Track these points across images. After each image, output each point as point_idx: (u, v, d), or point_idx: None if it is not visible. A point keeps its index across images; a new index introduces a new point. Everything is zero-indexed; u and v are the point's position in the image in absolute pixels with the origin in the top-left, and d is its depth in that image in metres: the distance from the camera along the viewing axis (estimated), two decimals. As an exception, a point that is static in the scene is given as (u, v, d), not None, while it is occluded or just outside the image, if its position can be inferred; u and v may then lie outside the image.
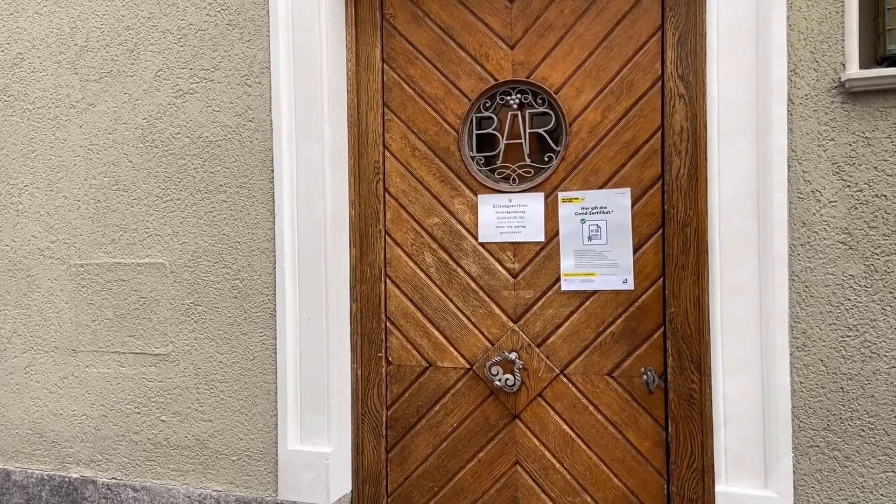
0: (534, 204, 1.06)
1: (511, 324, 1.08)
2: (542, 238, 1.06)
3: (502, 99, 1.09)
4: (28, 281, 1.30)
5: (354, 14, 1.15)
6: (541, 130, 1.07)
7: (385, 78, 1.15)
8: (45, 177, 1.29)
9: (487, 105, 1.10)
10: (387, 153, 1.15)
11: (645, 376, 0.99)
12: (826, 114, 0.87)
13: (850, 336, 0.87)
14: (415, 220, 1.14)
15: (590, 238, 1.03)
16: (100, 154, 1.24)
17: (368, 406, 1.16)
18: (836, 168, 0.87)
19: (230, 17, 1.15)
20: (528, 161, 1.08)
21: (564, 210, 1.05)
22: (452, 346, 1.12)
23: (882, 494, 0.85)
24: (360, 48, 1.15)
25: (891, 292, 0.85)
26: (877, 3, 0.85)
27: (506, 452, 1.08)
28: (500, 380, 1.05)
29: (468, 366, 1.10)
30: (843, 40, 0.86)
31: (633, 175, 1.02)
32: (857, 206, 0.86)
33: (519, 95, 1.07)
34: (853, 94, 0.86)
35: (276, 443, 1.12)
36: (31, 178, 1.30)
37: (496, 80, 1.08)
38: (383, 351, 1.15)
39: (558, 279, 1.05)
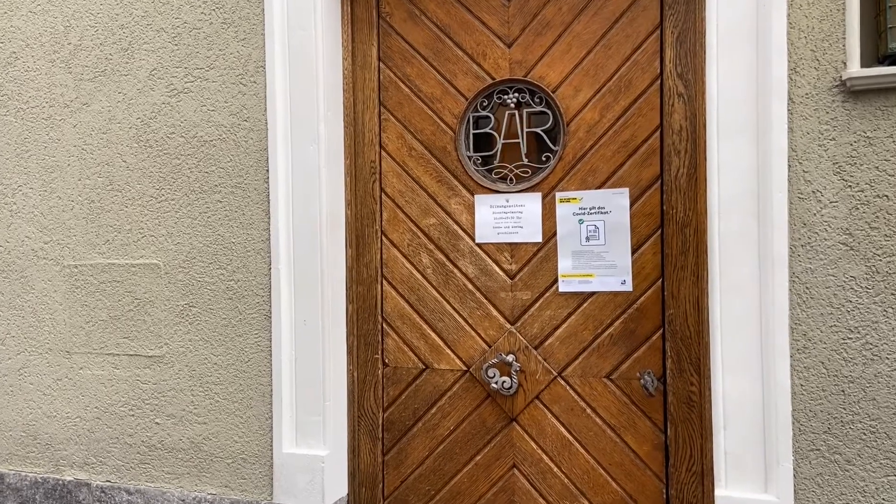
0: (531, 204, 1.05)
1: (508, 325, 1.07)
2: (539, 239, 1.05)
3: (499, 98, 1.08)
4: (22, 282, 1.29)
5: (350, 12, 1.14)
6: (538, 130, 1.06)
7: (381, 77, 1.14)
8: (38, 177, 1.28)
9: (484, 104, 1.09)
10: (383, 153, 1.14)
11: (643, 380, 0.98)
12: (827, 113, 0.86)
13: (851, 338, 0.86)
14: (411, 221, 1.13)
15: (588, 239, 1.02)
16: (94, 154, 1.23)
17: (365, 408, 1.15)
18: (837, 168, 0.86)
19: (225, 15, 1.14)
20: (525, 161, 1.07)
21: (562, 210, 1.04)
22: (449, 347, 1.11)
23: (884, 499, 0.84)
24: (357, 47, 1.15)
25: (892, 294, 0.84)
26: (878, 1, 0.84)
27: (503, 456, 1.07)
28: (496, 382, 1.05)
29: (465, 368, 1.09)
30: (843, 38, 0.85)
31: (632, 175, 1.01)
32: (859, 206, 0.86)
33: (516, 94, 1.06)
34: (854, 92, 0.85)
35: (271, 446, 1.11)
36: (25, 179, 1.29)
37: (493, 78, 1.07)
38: (379, 353, 1.14)
39: (556, 280, 1.04)
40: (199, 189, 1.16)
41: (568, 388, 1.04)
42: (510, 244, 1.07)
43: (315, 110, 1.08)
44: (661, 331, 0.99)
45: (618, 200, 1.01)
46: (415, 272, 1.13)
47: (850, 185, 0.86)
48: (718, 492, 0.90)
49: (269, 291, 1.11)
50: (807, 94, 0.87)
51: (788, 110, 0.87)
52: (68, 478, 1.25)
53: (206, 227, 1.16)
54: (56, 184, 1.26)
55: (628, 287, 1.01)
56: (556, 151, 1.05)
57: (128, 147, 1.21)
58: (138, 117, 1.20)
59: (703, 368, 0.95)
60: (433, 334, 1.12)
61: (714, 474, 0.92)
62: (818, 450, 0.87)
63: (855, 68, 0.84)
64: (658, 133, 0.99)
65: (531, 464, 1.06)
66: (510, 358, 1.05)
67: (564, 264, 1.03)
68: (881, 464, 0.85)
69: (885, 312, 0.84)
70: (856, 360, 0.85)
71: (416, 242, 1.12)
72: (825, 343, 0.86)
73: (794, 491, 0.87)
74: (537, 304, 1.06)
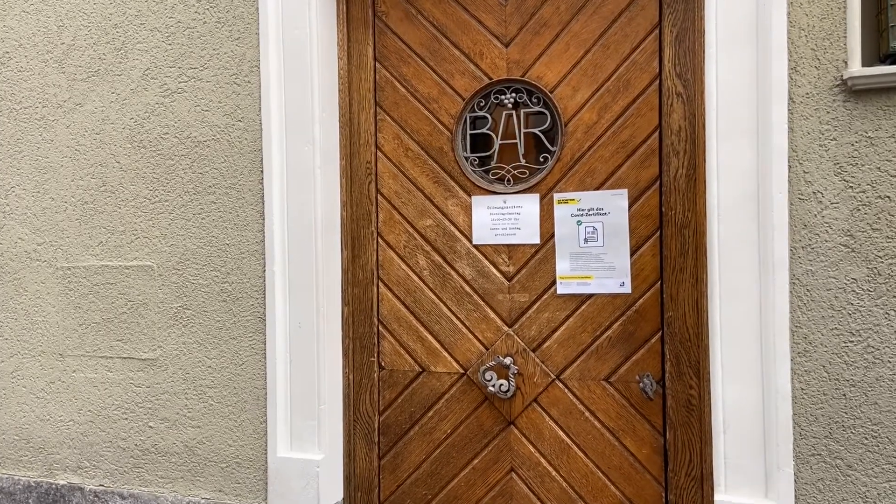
0: (529, 205, 1.04)
1: (506, 328, 1.06)
2: (537, 240, 1.04)
3: (497, 98, 1.07)
4: (15, 284, 1.28)
5: (346, 11, 1.13)
6: (536, 130, 1.05)
7: (377, 77, 1.13)
8: (31, 178, 1.27)
9: (482, 104, 1.08)
10: (379, 154, 1.13)
11: (642, 383, 0.97)
12: (827, 113, 0.85)
13: (852, 341, 0.85)
14: (408, 222, 1.12)
15: (586, 240, 1.02)
16: (87, 155, 1.22)
17: (360, 412, 1.14)
18: (838, 168, 0.85)
19: (219, 14, 1.13)
20: (523, 161, 1.06)
21: (560, 211, 1.03)
22: (446, 350, 1.10)
23: (886, 504, 0.83)
24: (352, 46, 1.14)
25: (895, 296, 0.83)
26: (879, -1, 0.83)
27: (500, 459, 1.06)
28: (494, 385, 1.04)
29: (462, 371, 1.08)
30: (844, 37, 0.84)
31: (631, 176, 1.00)
32: (860, 207, 0.84)
33: (514, 95, 1.05)
34: (855, 92, 0.84)
35: (266, 450, 1.10)
36: (18, 179, 1.28)
37: (490, 78, 1.06)
38: (375, 356, 1.13)
39: (554, 282, 1.03)
40: (193, 190, 1.15)
41: (566, 391, 1.03)
42: (508, 246, 1.06)
43: (310, 110, 1.08)
44: (660, 333, 0.98)
45: (616, 202, 1.00)
46: (411, 274, 1.12)
47: (851, 186, 0.85)
48: (718, 497, 0.89)
49: (264, 294, 1.10)
50: (807, 93, 0.86)
51: (789, 110, 0.86)
52: (61, 482, 1.24)
53: (200, 228, 1.15)
54: (49, 185, 1.25)
55: (627, 289, 1.00)
56: (554, 152, 1.04)
57: (121, 148, 1.20)
58: (132, 118, 1.19)
59: (702, 372, 0.94)
60: (430, 337, 1.10)
61: (714, 479, 0.91)
62: (819, 455, 0.85)
63: (856, 67, 0.83)
64: (657, 134, 0.98)
65: (529, 468, 1.05)
66: (508, 361, 1.04)
67: (562, 266, 1.02)
68: (883, 469, 0.83)
69: (887, 315, 0.83)
70: (857, 364, 0.84)
71: (413, 244, 1.11)
72: (826, 346, 0.85)
73: (795, 496, 0.86)
74: (535, 307, 1.05)
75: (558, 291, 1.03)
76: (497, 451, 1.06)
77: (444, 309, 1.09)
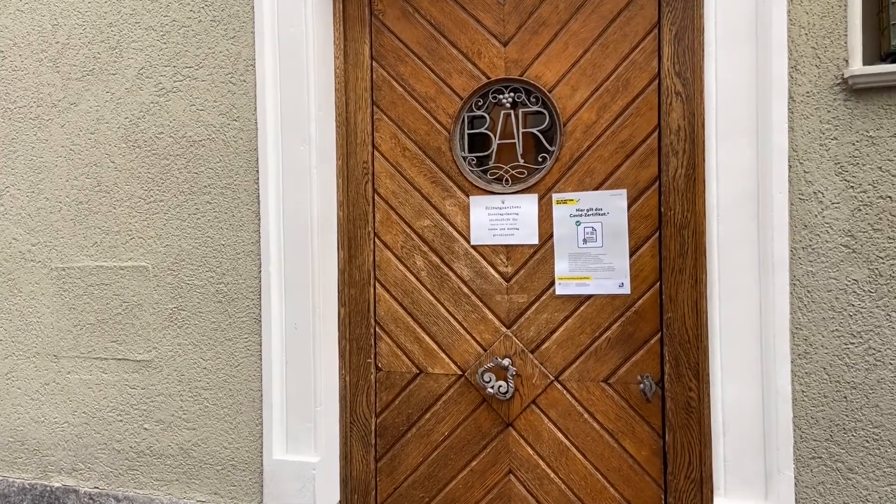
0: (527, 205, 1.04)
1: (504, 329, 1.05)
2: (535, 241, 1.03)
3: (495, 98, 1.06)
4: (9, 285, 1.27)
5: (342, 10, 1.12)
6: (534, 130, 1.04)
7: (374, 76, 1.12)
8: (26, 178, 1.26)
9: (480, 104, 1.07)
10: (376, 153, 1.13)
11: (642, 384, 0.97)
12: (828, 112, 0.84)
13: (853, 343, 0.84)
14: (405, 222, 1.11)
15: (585, 241, 1.01)
16: (82, 154, 1.22)
17: (357, 414, 1.13)
18: (839, 168, 0.84)
19: (214, 13, 1.12)
20: (521, 161, 1.05)
21: (559, 212, 1.02)
22: (444, 351, 1.09)
23: (887, 507, 0.82)
24: (348, 45, 1.13)
25: (896, 297, 0.82)
26: (880, -3, 0.82)
27: (499, 461, 1.06)
28: (492, 387, 1.03)
29: (460, 372, 1.08)
30: (845, 35, 0.83)
31: (630, 176, 0.99)
32: (861, 207, 0.84)
33: (512, 94, 1.05)
34: (856, 91, 0.83)
35: (261, 452, 1.10)
36: (13, 179, 1.27)
37: (489, 78, 1.06)
38: (372, 357, 1.12)
39: (553, 283, 1.02)
40: (189, 190, 1.14)
41: (565, 392, 1.02)
42: (506, 246, 1.05)
43: (306, 110, 1.07)
44: (659, 334, 0.98)
45: (615, 202, 0.99)
46: (408, 275, 1.11)
47: (852, 186, 0.84)
48: (717, 500, 0.88)
49: (260, 294, 1.09)
50: (808, 92, 0.85)
51: (789, 109, 0.85)
52: (56, 484, 1.23)
53: (195, 228, 1.14)
54: (44, 185, 1.24)
55: (626, 290, 0.99)
56: (553, 152, 1.03)
57: (116, 147, 1.19)
58: (126, 117, 1.18)
59: (701, 373, 0.93)
60: (427, 338, 1.10)
61: (713, 482, 0.91)
62: (819, 458, 0.85)
63: (857, 66, 0.82)
64: (656, 133, 0.97)
65: (528, 470, 1.04)
66: (506, 362, 1.03)
67: (561, 267, 1.02)
68: (884, 472, 0.83)
69: (888, 317, 0.83)
70: (858, 366, 0.84)
71: (410, 244, 1.10)
72: (827, 348, 0.85)
73: (795, 500, 0.85)
74: (534, 307, 1.04)
75: (557, 292, 1.02)
76: (495, 454, 1.06)
77: (442, 310, 1.09)
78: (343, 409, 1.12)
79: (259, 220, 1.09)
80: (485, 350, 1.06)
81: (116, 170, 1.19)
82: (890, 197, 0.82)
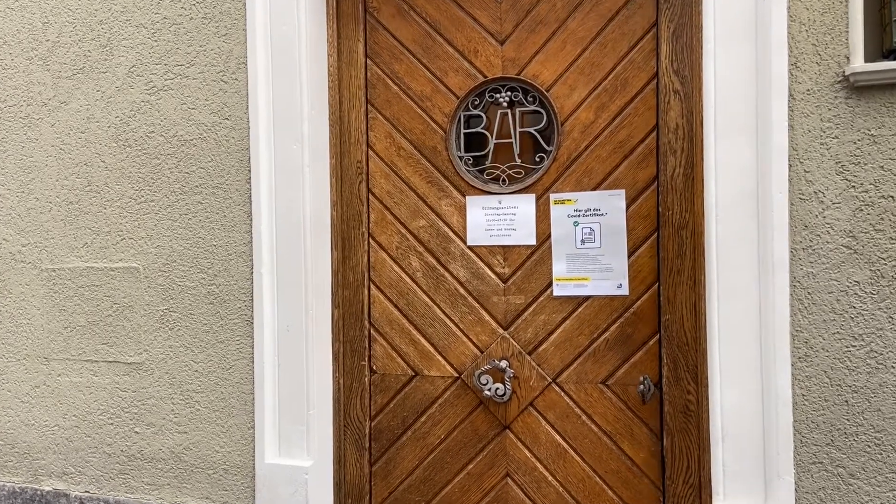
0: (525, 206, 1.02)
1: (501, 330, 1.04)
2: (533, 241, 1.02)
3: (491, 97, 1.05)
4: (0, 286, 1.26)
5: (336, 7, 1.11)
6: (532, 130, 1.03)
7: (369, 74, 1.11)
8: (16, 178, 1.24)
9: (476, 103, 1.06)
10: (370, 153, 1.11)
11: (641, 386, 0.96)
12: (829, 110, 0.83)
13: (855, 346, 0.83)
14: (400, 223, 1.10)
15: (583, 241, 1.00)
16: (72, 154, 1.20)
17: (351, 417, 1.12)
18: (840, 167, 0.83)
19: (205, 10, 1.11)
20: (518, 161, 1.04)
21: (557, 212, 1.01)
22: (440, 353, 1.08)
23: (889, 513, 0.81)
24: (342, 43, 1.11)
25: (898, 299, 0.81)
26: (882, -7, 0.81)
27: (496, 464, 1.04)
28: (489, 389, 1.02)
29: (456, 374, 1.06)
30: (846, 32, 0.82)
31: (628, 176, 0.98)
32: (863, 207, 0.82)
33: (509, 93, 1.03)
34: (858, 88, 0.82)
35: (254, 456, 1.08)
36: (3, 179, 1.26)
37: (485, 77, 1.04)
38: (366, 359, 1.11)
39: (550, 284, 1.01)
40: (180, 190, 1.13)
41: (563, 394, 1.01)
42: (503, 247, 1.04)
43: (299, 108, 1.05)
44: (657, 336, 0.96)
45: (614, 202, 0.98)
46: (404, 276, 1.09)
47: (853, 186, 0.83)
48: (717, 505, 0.87)
49: (252, 296, 1.08)
50: (808, 90, 0.84)
51: (789, 107, 0.84)
52: (47, 488, 1.21)
53: (186, 229, 1.13)
54: (34, 185, 1.23)
55: (625, 291, 0.98)
56: (551, 152, 1.02)
57: (106, 147, 1.18)
58: (117, 116, 1.17)
59: (700, 377, 0.92)
60: (423, 340, 1.08)
61: (712, 487, 0.89)
62: (820, 463, 0.83)
63: (858, 63, 0.81)
64: (655, 133, 0.96)
65: (525, 472, 1.03)
66: (503, 364, 1.02)
67: (559, 267, 1.01)
68: (886, 478, 0.81)
69: (890, 319, 0.81)
70: (860, 369, 0.82)
71: (406, 245, 1.09)
72: (828, 351, 0.83)
73: (796, 505, 0.84)
74: (531, 309, 1.03)
75: (555, 293, 1.01)
76: (492, 456, 1.04)
77: (438, 311, 1.07)
78: (337, 412, 1.11)
79: (251, 220, 1.08)
80: (481, 352, 1.05)
81: (107, 169, 1.18)
82: (892, 197, 0.81)
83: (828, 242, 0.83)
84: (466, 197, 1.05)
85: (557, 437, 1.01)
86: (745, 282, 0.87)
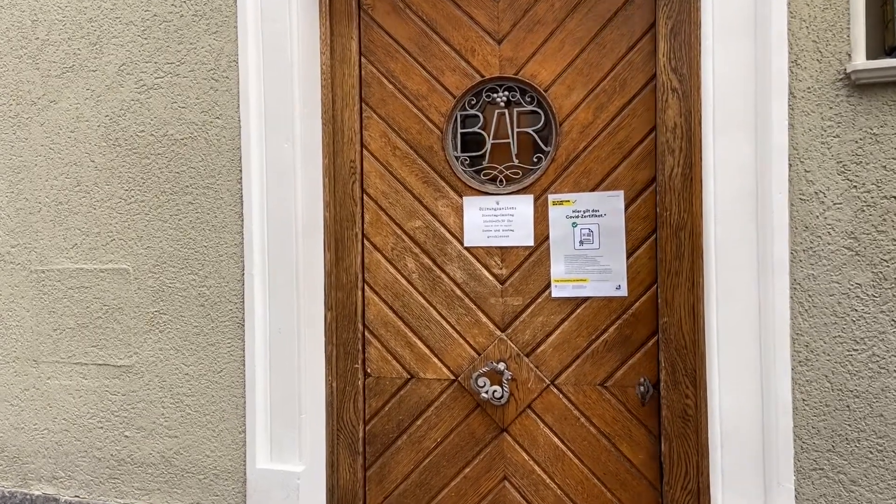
0: (523, 206, 1.01)
1: (498, 332, 1.03)
2: (531, 242, 1.01)
3: (489, 96, 1.03)
4: (-11, 287, 1.24)
5: (328, 4, 1.09)
6: (529, 130, 1.02)
7: (363, 72, 1.09)
8: (5, 178, 1.23)
9: (473, 103, 1.05)
10: (365, 152, 1.10)
11: (641, 387, 0.95)
12: (830, 108, 0.81)
13: (856, 350, 0.81)
14: (395, 224, 1.08)
15: (581, 242, 0.99)
16: (61, 154, 1.19)
17: (344, 421, 1.10)
18: (842, 167, 0.82)
19: (196, 7, 1.10)
20: (515, 162, 1.03)
21: (555, 213, 1.00)
22: (436, 356, 1.06)
23: (892, 520, 0.79)
24: (335, 40, 1.10)
25: (901, 302, 0.79)
26: (884, -10, 0.80)
27: (493, 468, 1.03)
28: (487, 391, 1.00)
29: (453, 377, 1.05)
30: (848, 28, 0.80)
31: (627, 177, 0.97)
32: (865, 208, 0.81)
33: (506, 93, 1.02)
34: (860, 86, 0.80)
35: (245, 460, 1.07)
36: (-8, 179, 1.24)
37: (483, 76, 1.03)
38: (360, 362, 1.09)
39: (548, 285, 1.00)
40: (170, 190, 1.12)
41: (561, 396, 1.00)
42: (500, 248, 1.03)
43: (291, 107, 1.04)
44: (656, 338, 0.95)
45: (612, 203, 0.97)
46: (399, 277, 1.08)
47: (855, 186, 0.81)
48: (716, 512, 0.86)
49: (243, 298, 1.06)
50: (809, 88, 0.82)
51: (789, 105, 0.82)
52: (36, 492, 1.20)
53: (176, 230, 1.11)
54: (23, 185, 1.21)
55: (623, 292, 0.97)
56: (548, 152, 1.01)
57: (96, 146, 1.16)
58: (107, 115, 1.15)
59: (698, 380, 0.91)
60: (419, 342, 1.07)
61: (711, 494, 0.88)
62: (821, 469, 0.82)
63: (860, 60, 0.80)
64: (654, 134, 0.95)
65: (523, 475, 1.02)
66: (501, 366, 1.01)
67: (557, 269, 1.00)
68: (889, 485, 0.80)
69: (892, 322, 0.80)
70: (862, 374, 0.81)
71: (401, 246, 1.08)
72: (829, 355, 0.82)
73: (797, 512, 0.82)
74: (529, 310, 1.01)
75: (553, 295, 1.00)
76: (489, 460, 1.03)
77: (434, 313, 1.06)
78: (329, 415, 1.09)
79: (242, 220, 1.07)
80: (479, 354, 1.03)
81: (97, 169, 1.16)
82: (894, 197, 0.80)
83: (829, 244, 0.82)
84: (463, 197, 1.04)
85: (555, 439, 1.00)
86: (744, 284, 0.85)
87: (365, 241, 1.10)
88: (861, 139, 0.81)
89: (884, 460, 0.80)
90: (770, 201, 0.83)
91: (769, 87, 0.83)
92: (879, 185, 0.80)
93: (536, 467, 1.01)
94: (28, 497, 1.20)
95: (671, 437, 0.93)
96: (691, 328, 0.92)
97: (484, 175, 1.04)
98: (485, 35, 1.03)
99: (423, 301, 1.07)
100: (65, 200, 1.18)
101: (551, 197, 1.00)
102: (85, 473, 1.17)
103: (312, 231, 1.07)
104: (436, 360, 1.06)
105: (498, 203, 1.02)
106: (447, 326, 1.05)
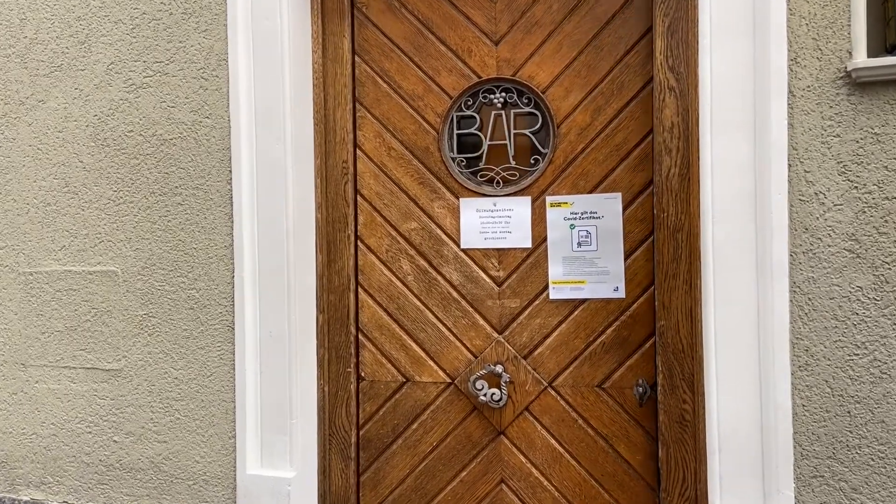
0: (520, 208, 1.00)
1: (496, 335, 1.01)
2: (528, 244, 1.00)
3: (485, 98, 1.02)
4: (-23, 289, 1.22)
5: (321, 2, 1.07)
6: (526, 132, 1.01)
7: (357, 71, 1.08)
8: (-7, 178, 1.21)
9: (469, 104, 1.03)
10: (359, 152, 1.08)
11: (640, 388, 0.94)
12: (830, 107, 0.80)
13: (857, 354, 0.80)
14: (390, 225, 1.07)
15: (579, 244, 0.98)
16: (49, 154, 1.17)
17: (336, 426, 1.08)
18: (842, 167, 0.80)
19: (186, 4, 1.08)
20: (512, 163, 1.02)
21: (553, 215, 0.99)
22: (432, 359, 1.05)
23: (893, 527, 0.78)
24: (327, 38, 1.08)
25: (903, 305, 0.78)
26: (885, -13, 0.78)
27: (490, 471, 1.02)
28: (485, 394, 0.99)
29: (449, 380, 1.04)
30: (849, 26, 0.79)
31: (625, 179, 0.97)
32: (866, 209, 0.79)
33: (503, 94, 1.01)
34: (860, 85, 0.79)
35: (235, 466, 1.05)
36: (-20, 180, 1.22)
37: (480, 77, 1.02)
38: (352, 366, 1.08)
39: (546, 287, 0.99)
40: (159, 191, 1.10)
41: (559, 398, 0.99)
42: (498, 250, 1.02)
43: (281, 106, 1.02)
44: (653, 340, 0.94)
45: (610, 205, 0.97)
46: (394, 280, 1.06)
47: (856, 187, 0.80)
48: (714, 519, 0.84)
49: (233, 301, 1.05)
50: (808, 86, 0.81)
51: (788, 104, 0.81)
52: (25, 498, 1.18)
53: (166, 231, 1.09)
54: (11, 186, 1.19)
55: (621, 294, 0.96)
56: (546, 154, 1.00)
57: (84, 146, 1.14)
58: (95, 115, 1.13)
59: (696, 385, 0.89)
60: (414, 345, 1.05)
61: (709, 501, 0.86)
62: (822, 476, 0.80)
63: (861, 58, 0.78)
64: (651, 136, 0.94)
65: (520, 478, 1.00)
66: (499, 369, 1.00)
67: (555, 271, 0.99)
68: (891, 492, 0.78)
69: (894, 326, 0.78)
70: (863, 379, 0.79)
71: (396, 248, 1.06)
72: (829, 359, 0.80)
73: (797, 519, 0.81)
74: (526, 312, 1.00)
75: (551, 297, 0.99)
76: (486, 463, 1.02)
77: (430, 316, 1.05)
78: (321, 420, 1.07)
79: (232, 222, 1.05)
80: (475, 357, 1.02)
81: (85, 170, 1.14)
82: (896, 198, 0.79)
83: (829, 246, 0.80)
84: (460, 199, 1.03)
85: (553, 441, 0.99)
86: (742, 286, 0.84)
87: (359, 243, 1.08)
88: (862, 139, 0.79)
89: (885, 468, 0.79)
90: (769, 202, 0.82)
91: (768, 85, 0.81)
92: (881, 185, 0.79)
93: (534, 470, 1.00)
94: (16, 502, 1.18)
95: (668, 443, 0.92)
96: (689, 332, 0.91)
97: (481, 176, 1.03)
98: (482, 36, 1.02)
99: (418, 303, 1.05)
100: (53, 201, 1.16)
101: (549, 199, 0.99)
102: (73, 479, 1.15)
103: (304, 233, 1.06)
104: (432, 363, 1.05)
105: (495, 205, 1.01)
106: (443, 329, 1.04)
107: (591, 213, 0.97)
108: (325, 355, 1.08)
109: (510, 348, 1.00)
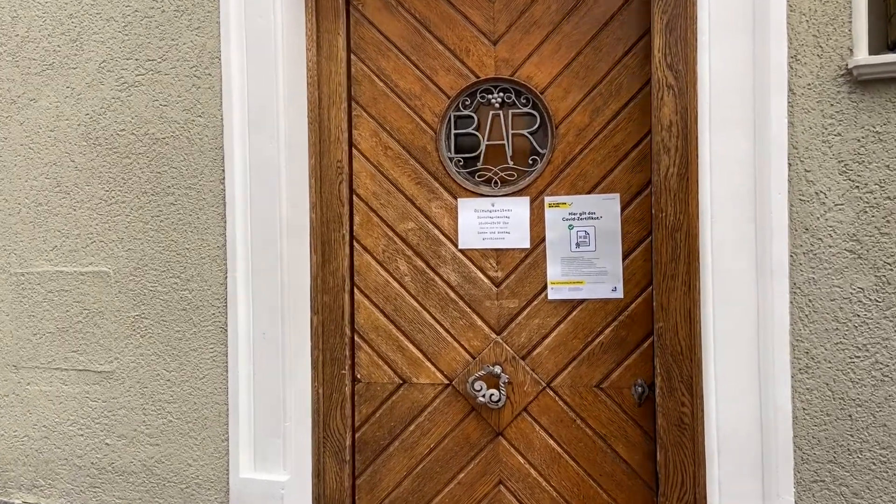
0: (518, 208, 1.00)
1: (494, 335, 1.01)
2: (527, 245, 0.99)
3: (483, 98, 1.01)
4: (-32, 290, 1.21)
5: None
6: (524, 132, 1.00)
7: (353, 70, 1.07)
8: (-16, 178, 1.20)
9: (467, 103, 1.02)
10: (355, 152, 1.07)
11: (639, 388, 0.93)
12: (831, 105, 0.79)
13: (859, 357, 0.79)
14: (387, 225, 1.06)
15: (578, 245, 0.98)
16: (41, 153, 1.16)
17: (331, 428, 1.07)
18: (843, 167, 0.79)
19: (178, 2, 1.07)
20: (510, 164, 1.01)
21: (551, 215, 0.98)
22: (429, 360, 1.04)
23: (895, 532, 0.77)
24: (322, 36, 1.07)
25: (905, 306, 0.77)
26: (887, -17, 0.77)
27: (488, 472, 1.01)
28: (483, 395, 0.98)
29: (447, 381, 1.03)
30: (850, 22, 0.78)
31: (623, 180, 0.96)
32: (867, 209, 0.78)
33: (501, 94, 1.00)
34: (862, 82, 0.78)
35: (228, 470, 1.04)
36: (-29, 180, 1.21)
37: (478, 77, 1.01)
38: (347, 368, 1.07)
39: (545, 288, 0.98)
40: (152, 191, 1.09)
41: (557, 398, 0.98)
42: (496, 250, 1.01)
43: (275, 105, 1.01)
44: (651, 341, 0.94)
45: (609, 206, 0.97)
46: (391, 280, 1.05)
47: (857, 186, 0.79)
48: (713, 524, 0.83)
49: (226, 302, 1.04)
50: (809, 84, 0.80)
51: (788, 102, 0.80)
52: (17, 501, 1.17)
53: (158, 232, 1.08)
54: (2, 185, 1.18)
55: (619, 294, 0.96)
56: (544, 154, 0.99)
57: (76, 146, 1.13)
58: (87, 113, 1.12)
59: (695, 388, 0.88)
60: (411, 346, 1.05)
61: (708, 505, 0.86)
62: (822, 481, 0.79)
63: (862, 55, 0.77)
64: (650, 137, 0.93)
65: (518, 479, 1.00)
66: (497, 370, 0.99)
67: (554, 271, 0.98)
68: (892, 497, 0.77)
69: (896, 327, 0.78)
70: (864, 382, 0.78)
71: (393, 248, 1.05)
72: (830, 362, 0.79)
73: (797, 525, 0.80)
74: (525, 313, 1.00)
75: (549, 297, 0.98)
76: (484, 464, 1.01)
77: (428, 317, 1.04)
78: (315, 423, 1.06)
79: (225, 222, 1.04)
80: (473, 357, 1.01)
81: (77, 169, 1.13)
82: (898, 198, 0.78)
83: (830, 246, 0.79)
84: (458, 199, 1.02)
85: (551, 441, 0.99)
86: (742, 287, 0.83)
87: (354, 244, 1.07)
88: (863, 137, 0.78)
89: (887, 472, 0.78)
90: (769, 202, 0.81)
91: (768, 83, 0.80)
92: (883, 185, 0.78)
93: (532, 470, 0.99)
94: (8, 506, 1.17)
95: (667, 446, 0.91)
96: (687, 333, 0.90)
97: (479, 177, 1.03)
98: (480, 35, 1.01)
99: (415, 304, 1.04)
100: (44, 201, 1.15)
101: (547, 199, 0.98)
102: (66, 482, 1.14)
103: (298, 233, 1.04)
104: (429, 364, 1.04)
105: (493, 205, 1.01)
106: (441, 330, 1.03)
107: (589, 213, 0.97)
108: (320, 357, 1.07)
109: (508, 349, 1.00)
